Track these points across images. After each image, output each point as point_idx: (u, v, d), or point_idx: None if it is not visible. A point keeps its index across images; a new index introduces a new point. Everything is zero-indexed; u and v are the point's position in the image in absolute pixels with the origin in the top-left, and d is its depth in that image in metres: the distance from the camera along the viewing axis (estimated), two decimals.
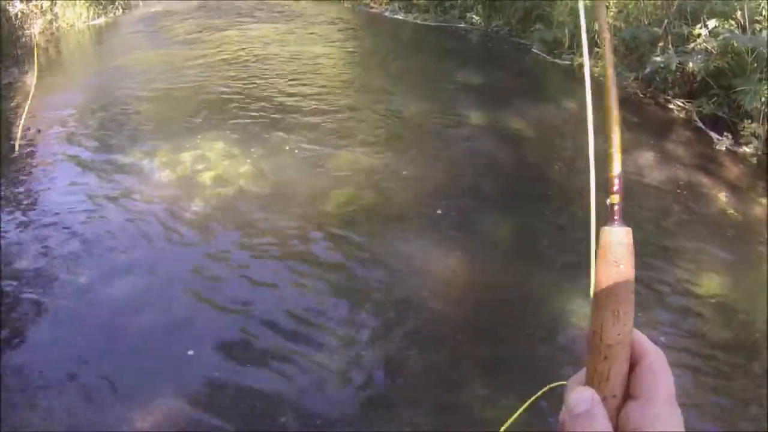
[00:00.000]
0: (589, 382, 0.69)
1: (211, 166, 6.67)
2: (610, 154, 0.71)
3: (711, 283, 5.47)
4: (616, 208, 0.70)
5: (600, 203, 0.71)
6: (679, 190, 6.89)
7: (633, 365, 0.69)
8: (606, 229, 0.70)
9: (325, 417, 3.97)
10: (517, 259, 5.64)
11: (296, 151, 7.07)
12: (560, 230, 6.09)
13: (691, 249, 5.93)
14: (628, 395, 0.68)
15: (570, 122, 8.47)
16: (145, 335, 4.50)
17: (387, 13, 13.73)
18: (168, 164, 6.71)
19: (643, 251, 5.88)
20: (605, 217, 0.71)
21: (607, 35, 0.73)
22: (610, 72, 0.72)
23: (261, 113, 7.97)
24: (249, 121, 7.74)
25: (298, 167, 6.75)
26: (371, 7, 14.08)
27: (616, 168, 0.71)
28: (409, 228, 5.86)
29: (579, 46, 10.38)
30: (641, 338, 0.71)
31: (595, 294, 0.70)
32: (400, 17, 13.45)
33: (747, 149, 7.68)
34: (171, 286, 5.04)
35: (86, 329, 4.54)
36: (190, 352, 4.33)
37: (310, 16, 13.30)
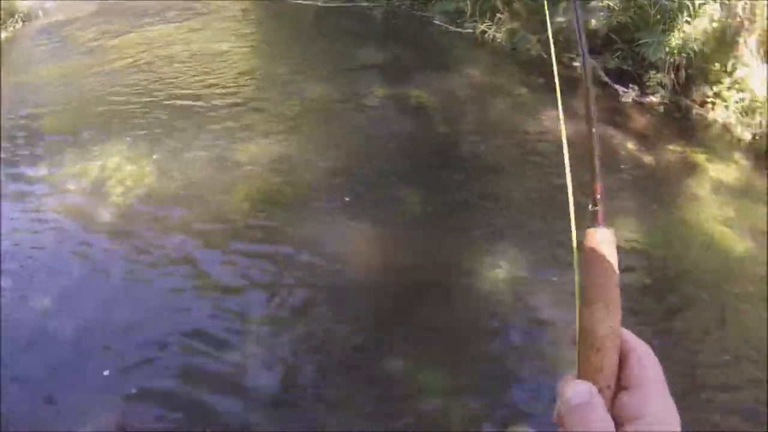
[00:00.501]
0: (584, 375, 0.73)
1: (118, 173, 6.58)
2: (593, 166, 0.80)
3: (625, 229, 5.71)
4: (599, 211, 0.77)
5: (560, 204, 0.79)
6: (584, 143, 7.08)
7: (622, 359, 0.73)
8: (592, 230, 0.76)
9: (251, 404, 4.11)
10: (432, 233, 5.77)
11: (202, 148, 7.03)
12: (473, 201, 6.23)
13: (610, 195, 6.13)
14: (620, 387, 0.72)
15: (475, 90, 8.64)
16: (58, 351, 4.49)
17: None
18: (75, 175, 6.59)
19: (555, 206, 6.12)
20: (580, 217, 0.79)
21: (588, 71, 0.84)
22: (590, 91, 0.84)
23: (165, 115, 7.85)
24: (153, 123, 7.62)
25: (205, 165, 6.72)
26: None
27: (598, 177, 0.78)
28: (320, 213, 5.94)
29: (481, 14, 10.56)
30: (628, 334, 0.75)
31: (586, 290, 0.74)
32: (302, 1, 13.40)
33: (654, 99, 7.97)
34: (85, 296, 5.01)
35: None
36: (106, 372, 4.33)
37: (210, 11, 13.13)
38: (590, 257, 0.75)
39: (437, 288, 5.09)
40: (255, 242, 5.60)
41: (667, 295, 5.11)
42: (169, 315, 4.82)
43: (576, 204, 0.79)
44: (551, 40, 1.01)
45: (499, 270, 5.19)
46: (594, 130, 0.81)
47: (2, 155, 7.07)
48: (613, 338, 0.73)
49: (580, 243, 0.77)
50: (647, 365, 0.72)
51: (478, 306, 4.88)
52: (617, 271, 0.75)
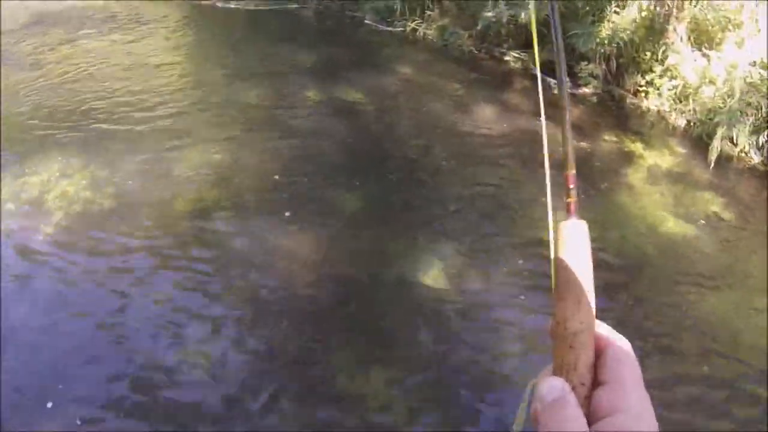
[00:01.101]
0: (558, 372, 0.70)
1: (54, 189, 6.30)
2: (565, 154, 0.75)
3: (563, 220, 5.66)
4: (572, 204, 0.73)
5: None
6: (522, 135, 7.08)
7: (598, 354, 0.70)
8: (564, 223, 0.72)
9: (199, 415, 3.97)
10: (370, 234, 5.67)
11: (137, 160, 6.80)
12: (409, 198, 6.16)
13: (538, 188, 6.02)
14: (596, 383, 0.69)
15: (408, 87, 8.57)
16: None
17: (219, 4, 13.46)
18: (11, 193, 6.38)
19: (494, 199, 6.09)
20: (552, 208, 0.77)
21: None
22: (563, 76, 0.82)
23: (99, 127, 7.56)
24: (87, 136, 7.35)
25: (141, 176, 6.49)
26: (202, 0, 13.82)
27: (572, 167, 0.73)
28: (258, 219, 5.81)
29: (410, 12, 10.51)
30: (605, 329, 0.72)
31: (557, 285, 0.71)
32: (233, 5, 13.23)
33: (586, 90, 7.98)
34: (28, 317, 4.77)
35: None
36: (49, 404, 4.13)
37: (142, 19, 12.88)
38: (562, 251, 0.72)
39: (376, 289, 4.99)
40: (193, 252, 5.42)
41: (610, 280, 5.09)
42: (108, 329, 4.62)
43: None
44: (537, 57, 1.00)
45: (442, 269, 5.12)
46: (568, 123, 0.76)
47: None
48: (586, 334, 0.70)
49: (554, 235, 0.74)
50: (623, 360, 0.70)
51: (419, 306, 4.79)
52: (590, 266, 0.72)
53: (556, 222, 0.74)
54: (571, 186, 0.73)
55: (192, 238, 5.58)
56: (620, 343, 0.72)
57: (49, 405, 4.05)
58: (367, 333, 4.58)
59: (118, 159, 6.79)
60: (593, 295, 0.70)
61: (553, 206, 0.76)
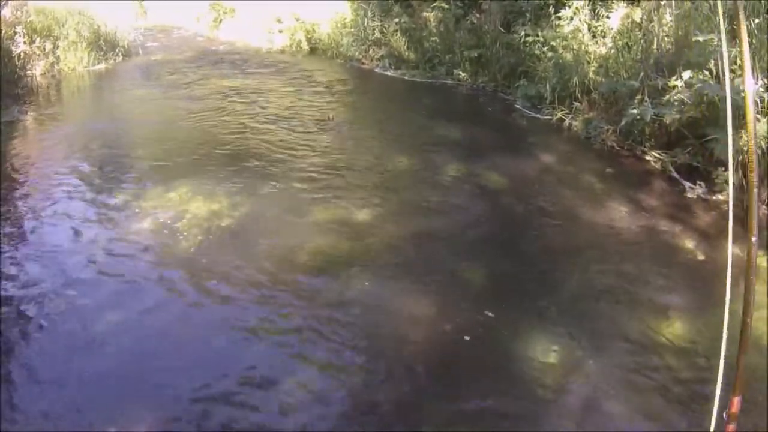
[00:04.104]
0: None
1: (195, 214, 6.85)
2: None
3: (675, 328, 5.61)
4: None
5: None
6: (650, 236, 7.12)
7: None
8: None
9: None
10: (486, 306, 5.67)
11: (281, 200, 7.32)
12: (528, 283, 6.16)
13: (660, 295, 6.06)
14: None
15: (543, 173, 8.77)
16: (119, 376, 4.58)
17: (377, 69, 14.12)
18: (154, 208, 6.92)
19: (611, 297, 6.10)
20: None
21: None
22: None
23: (250, 164, 8.24)
24: (237, 170, 8.01)
25: (280, 216, 6.98)
26: (362, 63, 14.50)
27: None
28: (380, 278, 5.98)
29: (560, 101, 10.78)
30: None
31: None
32: (390, 74, 13.84)
33: (721, 197, 7.93)
34: (148, 329, 5.15)
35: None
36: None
37: (303, 70, 13.67)
38: None
39: (484, 364, 5.08)
40: (311, 301, 5.64)
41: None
42: (223, 355, 4.89)
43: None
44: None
45: (553, 354, 5.17)
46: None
47: (88, 183, 7.50)
48: None
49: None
50: None
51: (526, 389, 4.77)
52: None
53: None
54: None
55: (314, 286, 5.85)
56: None
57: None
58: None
59: (262, 197, 7.36)
60: None
61: None
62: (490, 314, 5.49)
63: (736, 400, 0.62)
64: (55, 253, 6.08)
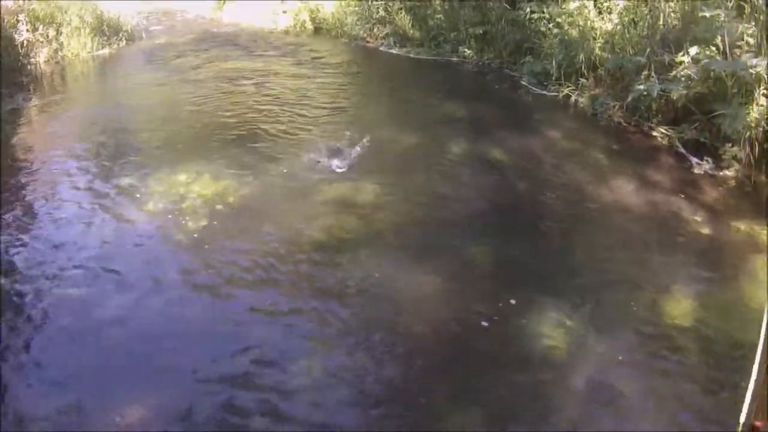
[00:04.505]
0: None
1: (202, 192, 6.93)
2: None
3: (682, 302, 5.64)
4: None
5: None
6: (657, 213, 7.10)
7: None
8: None
9: None
10: (491, 284, 5.80)
11: (287, 179, 7.37)
12: (533, 258, 6.22)
13: (665, 268, 6.13)
14: None
15: (549, 150, 8.74)
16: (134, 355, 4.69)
17: (382, 48, 14.05)
18: (160, 190, 6.98)
19: (620, 269, 6.10)
20: None
21: None
22: None
23: (256, 143, 8.27)
24: (243, 149, 8.06)
25: (288, 195, 7.04)
26: (367, 42, 14.42)
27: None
28: (387, 256, 6.05)
29: (566, 77, 10.72)
30: None
31: None
32: (395, 51, 13.78)
33: (728, 173, 7.89)
34: (164, 304, 5.27)
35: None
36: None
37: (308, 50, 13.61)
38: None
39: (489, 337, 5.10)
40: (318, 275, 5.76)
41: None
42: (230, 335, 4.99)
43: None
44: None
45: (564, 330, 5.19)
46: None
47: (93, 168, 7.49)
48: None
49: None
50: None
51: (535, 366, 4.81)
52: None
53: None
54: None
55: (320, 262, 5.94)
56: None
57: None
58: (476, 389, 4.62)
59: (268, 175, 7.42)
60: None
61: None
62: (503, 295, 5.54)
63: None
64: (60, 237, 6.15)
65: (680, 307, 5.55)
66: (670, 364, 4.91)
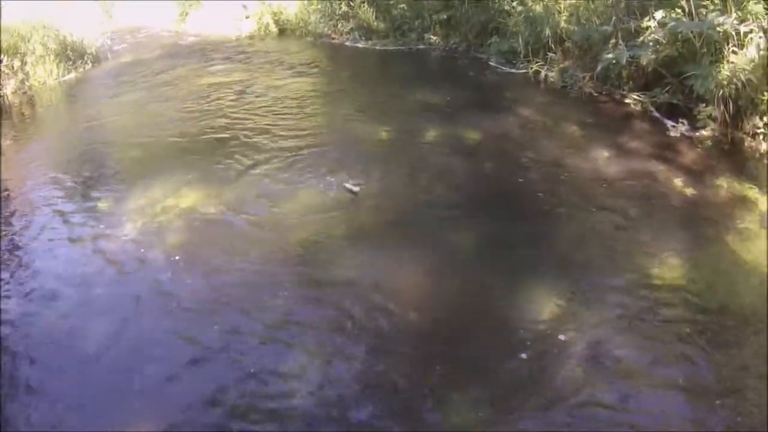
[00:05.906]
0: None
1: (179, 204, 6.88)
2: None
3: (670, 266, 5.66)
4: None
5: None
6: (637, 179, 7.10)
7: None
8: None
9: None
10: (476, 267, 5.81)
11: (265, 185, 7.31)
12: (517, 237, 6.24)
13: (650, 234, 6.16)
14: None
15: (523, 127, 8.77)
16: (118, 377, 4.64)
17: (348, 43, 14.00)
18: (139, 208, 6.88)
19: (604, 239, 6.12)
20: None
21: None
22: None
23: (230, 155, 8.12)
24: (217, 161, 7.95)
25: (269, 200, 6.98)
26: (332, 39, 14.36)
27: None
28: (373, 247, 6.08)
29: (533, 54, 10.73)
30: None
31: None
32: (360, 45, 13.74)
33: (704, 132, 7.91)
34: (145, 323, 5.21)
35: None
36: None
37: (272, 53, 13.54)
38: None
39: (477, 322, 5.10)
40: (302, 274, 5.77)
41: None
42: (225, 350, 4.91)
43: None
44: None
45: (543, 308, 5.17)
46: None
47: (69, 193, 7.45)
48: None
49: None
50: None
51: (525, 343, 4.80)
52: None
53: None
54: None
55: (304, 259, 5.93)
56: None
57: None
58: (469, 370, 4.64)
59: (244, 184, 7.35)
60: None
61: None
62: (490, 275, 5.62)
63: None
64: (45, 267, 6.08)
65: (671, 270, 5.59)
66: (662, 326, 4.95)
